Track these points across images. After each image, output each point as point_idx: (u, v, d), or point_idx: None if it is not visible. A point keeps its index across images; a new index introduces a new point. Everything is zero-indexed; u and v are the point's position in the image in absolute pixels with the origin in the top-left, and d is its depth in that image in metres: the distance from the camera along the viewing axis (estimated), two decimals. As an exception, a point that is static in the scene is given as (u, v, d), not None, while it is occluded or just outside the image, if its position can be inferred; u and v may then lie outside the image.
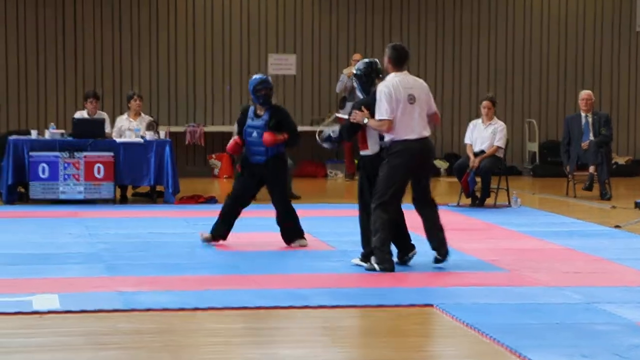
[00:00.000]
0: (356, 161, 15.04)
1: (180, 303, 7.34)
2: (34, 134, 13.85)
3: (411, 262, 9.01)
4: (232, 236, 10.16)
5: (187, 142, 17.74)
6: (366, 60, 9.16)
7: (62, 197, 13.32)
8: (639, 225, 11.70)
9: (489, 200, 13.63)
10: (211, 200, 13.72)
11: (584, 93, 15.28)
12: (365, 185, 8.93)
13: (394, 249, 8.90)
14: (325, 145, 9.38)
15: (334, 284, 8.17)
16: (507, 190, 13.78)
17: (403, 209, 8.93)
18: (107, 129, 14.15)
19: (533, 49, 19.19)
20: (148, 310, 7.15)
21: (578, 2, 19.29)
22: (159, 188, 14.02)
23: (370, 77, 8.98)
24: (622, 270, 8.94)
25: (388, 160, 8.72)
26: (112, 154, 13.47)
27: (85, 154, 13.38)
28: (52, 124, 14.80)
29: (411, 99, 8.74)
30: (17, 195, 13.53)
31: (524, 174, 18.79)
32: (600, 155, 14.66)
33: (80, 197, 13.35)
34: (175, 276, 8.48)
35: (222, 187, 16.26)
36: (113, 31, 17.93)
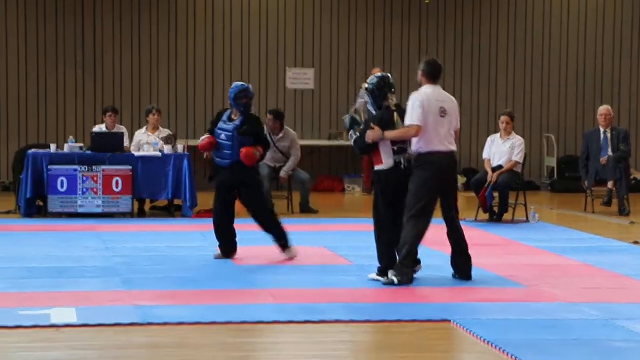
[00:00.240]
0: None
1: (197, 317, 7.34)
2: (53, 148, 13.90)
3: (428, 277, 8.99)
4: (248, 250, 10.16)
5: (205, 156, 17.72)
6: (378, 74, 9.14)
7: (81, 210, 13.36)
8: (658, 241, 11.64)
9: (507, 216, 13.59)
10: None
11: (603, 108, 15.24)
12: (380, 200, 8.90)
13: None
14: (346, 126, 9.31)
15: (351, 299, 8.16)
16: (525, 205, 13.73)
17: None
18: (126, 143, 14.20)
19: (552, 64, 19.15)
20: (165, 324, 7.15)
21: (597, 17, 19.25)
22: (176, 202, 14.04)
23: (382, 92, 8.94)
24: (641, 286, 8.90)
25: (416, 174, 8.77)
26: (130, 167, 13.50)
27: (103, 167, 13.42)
28: (71, 137, 14.85)
29: (443, 112, 8.85)
30: (36, 208, 13.56)
31: (542, 189, 18.73)
32: (619, 170, 14.62)
33: (99, 210, 13.38)
34: (192, 290, 8.48)
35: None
36: (132, 46, 18.00)
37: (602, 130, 14.98)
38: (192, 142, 17.47)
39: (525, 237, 11.99)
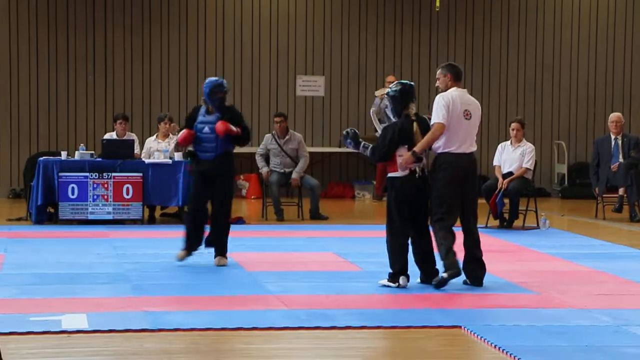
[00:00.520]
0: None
1: (208, 323, 7.34)
2: (63, 155, 13.94)
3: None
4: (257, 256, 10.14)
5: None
6: (402, 82, 9.15)
7: (91, 217, 13.38)
8: (669, 247, 11.62)
9: (517, 222, 13.57)
10: (239, 220, 13.72)
11: (614, 115, 15.23)
12: (393, 207, 8.89)
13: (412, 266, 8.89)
14: (347, 144, 9.25)
15: (362, 305, 8.16)
16: (536, 212, 13.72)
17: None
18: (136, 150, 14.23)
19: (562, 70, 19.14)
20: (175, 330, 7.16)
21: (608, 23, 19.23)
22: (187, 208, 14.03)
23: (404, 99, 8.92)
24: (652, 292, 8.87)
25: (436, 178, 8.83)
26: (140, 174, 13.53)
27: (114, 174, 13.45)
28: (82, 145, 14.89)
29: (467, 115, 8.97)
30: (47, 215, 13.60)
31: (553, 195, 18.71)
32: (630, 177, 14.60)
33: (109, 217, 13.40)
34: (203, 296, 8.49)
35: (250, 207, 16.28)
36: (143, 53, 18.05)
37: (612, 137, 14.97)
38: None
39: (535, 243, 11.97)
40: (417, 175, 8.83)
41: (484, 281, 9.01)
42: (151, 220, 14.02)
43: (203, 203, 10.21)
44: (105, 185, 13.41)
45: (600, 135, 16.82)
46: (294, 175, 14.56)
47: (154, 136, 14.74)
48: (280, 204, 14.40)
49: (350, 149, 9.43)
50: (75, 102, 17.90)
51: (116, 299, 8.33)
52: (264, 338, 7.08)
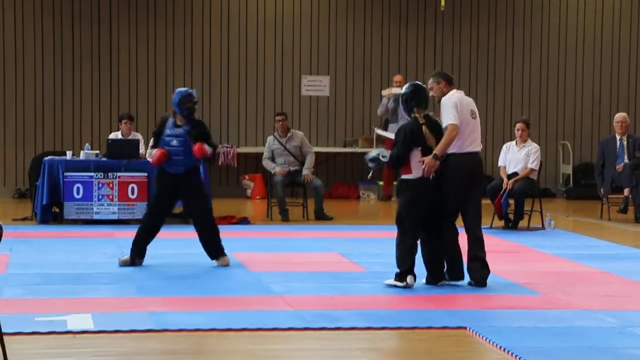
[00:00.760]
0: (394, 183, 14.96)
1: (213, 323, 7.34)
2: (69, 155, 13.95)
3: (444, 284, 9.00)
4: (262, 257, 10.14)
5: (220, 163, 17.80)
6: (415, 82, 9.24)
7: (96, 217, 13.39)
8: (675, 248, 11.60)
9: (522, 223, 13.56)
10: (244, 221, 13.74)
11: (619, 116, 15.22)
12: (404, 208, 8.87)
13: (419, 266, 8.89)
14: (371, 165, 9.30)
15: (367, 306, 8.16)
16: (541, 212, 13.71)
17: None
18: (142, 150, 14.24)
19: (568, 71, 19.13)
20: (180, 330, 7.16)
21: (613, 23, 19.21)
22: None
23: (416, 101, 8.93)
24: (658, 293, 8.86)
25: (447, 178, 8.84)
26: (145, 174, 13.53)
27: (119, 174, 13.46)
28: (87, 144, 14.91)
29: (473, 114, 9.10)
30: (52, 215, 13.61)
31: (558, 196, 18.69)
32: (635, 177, 14.60)
33: (114, 217, 13.41)
34: (207, 297, 8.50)
35: (254, 207, 16.29)
36: (148, 54, 18.06)
37: (618, 137, 14.96)
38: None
39: (540, 244, 11.97)
40: (431, 176, 8.83)
41: (488, 282, 9.00)
42: (156, 220, 13.99)
43: (161, 219, 10.07)
44: (111, 185, 13.42)
45: (605, 135, 16.80)
46: (305, 172, 14.54)
47: (159, 136, 14.72)
48: (285, 204, 14.40)
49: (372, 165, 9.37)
50: (80, 99, 17.90)
51: (121, 299, 8.34)
52: (268, 339, 7.08)
